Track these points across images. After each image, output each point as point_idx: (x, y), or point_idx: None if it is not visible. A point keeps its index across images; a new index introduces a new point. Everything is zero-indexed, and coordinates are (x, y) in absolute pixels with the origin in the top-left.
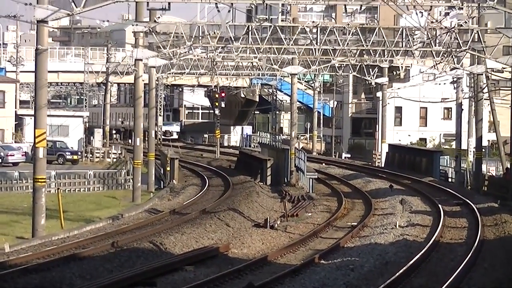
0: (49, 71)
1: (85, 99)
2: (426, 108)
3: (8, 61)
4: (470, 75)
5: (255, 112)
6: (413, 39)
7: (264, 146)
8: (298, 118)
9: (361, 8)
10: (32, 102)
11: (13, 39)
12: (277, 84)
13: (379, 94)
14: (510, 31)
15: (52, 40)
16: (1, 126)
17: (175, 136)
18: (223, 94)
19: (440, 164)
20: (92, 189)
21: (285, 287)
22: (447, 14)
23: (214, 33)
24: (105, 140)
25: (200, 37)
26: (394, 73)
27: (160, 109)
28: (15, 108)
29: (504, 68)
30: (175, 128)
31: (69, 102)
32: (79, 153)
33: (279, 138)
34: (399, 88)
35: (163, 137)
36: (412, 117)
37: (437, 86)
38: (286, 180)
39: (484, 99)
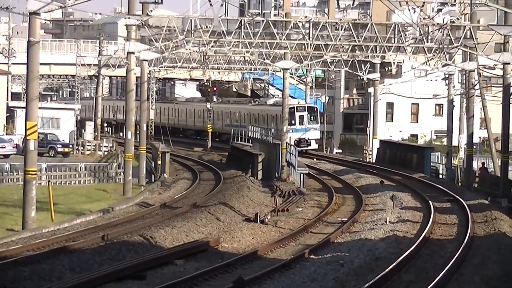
0: (41, 64)
1: (77, 92)
2: (418, 104)
3: (0, 52)
4: (461, 71)
5: None
6: (405, 35)
7: (255, 141)
8: None
9: (353, 3)
10: (24, 94)
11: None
12: (269, 79)
13: (370, 89)
14: (502, 28)
15: (45, 32)
16: None
17: None
18: (215, 88)
19: (431, 160)
20: (83, 182)
21: (275, 281)
22: (439, 10)
23: (207, 27)
24: (96, 133)
25: (193, 31)
26: (386, 69)
27: (151, 102)
28: (7, 100)
29: (495, 65)
30: None
31: (60, 94)
32: (70, 146)
33: (271, 133)
34: (390, 84)
35: None
36: (403, 113)
37: (428, 83)
38: (277, 175)
39: (476, 95)
